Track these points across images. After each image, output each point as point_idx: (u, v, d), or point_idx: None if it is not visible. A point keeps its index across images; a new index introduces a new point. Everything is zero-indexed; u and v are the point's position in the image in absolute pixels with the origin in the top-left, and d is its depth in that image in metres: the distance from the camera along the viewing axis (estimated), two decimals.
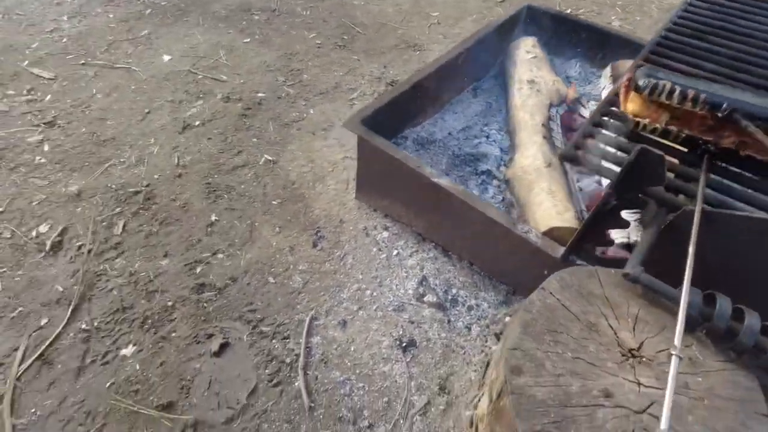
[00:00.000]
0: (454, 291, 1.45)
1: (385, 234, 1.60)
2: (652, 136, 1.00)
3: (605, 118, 1.06)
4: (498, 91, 1.97)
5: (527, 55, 1.80)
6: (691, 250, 0.78)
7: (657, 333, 0.76)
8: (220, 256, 1.55)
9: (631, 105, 1.00)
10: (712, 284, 0.87)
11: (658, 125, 0.97)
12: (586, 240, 1.09)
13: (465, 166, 1.68)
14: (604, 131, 1.04)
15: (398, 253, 1.55)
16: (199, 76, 2.18)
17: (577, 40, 2.00)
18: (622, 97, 1.03)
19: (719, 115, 0.89)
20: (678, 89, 0.91)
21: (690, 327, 0.76)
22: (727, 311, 0.72)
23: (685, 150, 1.00)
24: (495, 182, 1.60)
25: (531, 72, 1.73)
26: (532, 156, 1.38)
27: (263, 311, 1.42)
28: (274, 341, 1.36)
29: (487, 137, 1.75)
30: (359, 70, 2.26)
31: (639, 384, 0.69)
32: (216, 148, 1.89)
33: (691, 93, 0.91)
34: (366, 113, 1.43)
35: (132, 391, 1.22)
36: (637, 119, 0.99)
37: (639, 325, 0.76)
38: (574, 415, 0.65)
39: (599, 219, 0.98)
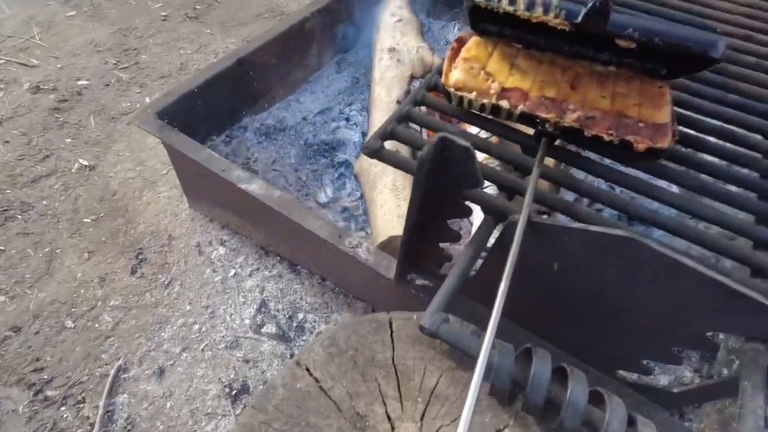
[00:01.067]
0: (300, 316, 1.18)
1: (222, 250, 1.30)
2: (482, 114, 0.75)
3: (429, 95, 0.80)
4: (368, 64, 1.68)
5: (392, 19, 1.52)
6: (502, 286, 0.54)
7: (457, 417, 0.52)
8: (1, 299, 1.20)
9: (457, 74, 0.74)
10: (549, 316, 0.65)
11: (486, 100, 0.72)
12: (418, 258, 0.84)
13: (320, 157, 1.40)
14: (422, 114, 0.78)
15: (236, 274, 1.26)
16: (1, 61, 1.74)
17: (453, 1, 1.74)
18: (446, 65, 0.77)
19: (577, 21, 0.64)
20: None
21: (502, 399, 0.52)
22: (543, 379, 0.49)
23: (530, 132, 0.76)
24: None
25: (393, 38, 1.46)
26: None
27: (53, 369, 1.10)
28: (63, 408, 1.05)
29: (348, 120, 1.47)
30: (212, 46, 1.90)
31: None
32: (14, 153, 1.49)
33: None
34: (165, 103, 1.10)
35: None
36: (461, 93, 0.73)
37: (433, 407, 0.52)
38: None
39: (417, 235, 0.73)
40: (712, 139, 0.78)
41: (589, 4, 0.64)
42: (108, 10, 2.01)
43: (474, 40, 0.79)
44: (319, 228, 0.93)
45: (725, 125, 0.79)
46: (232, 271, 1.27)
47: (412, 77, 1.35)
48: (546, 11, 0.68)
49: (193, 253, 1.31)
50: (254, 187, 0.98)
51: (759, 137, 0.78)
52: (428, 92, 0.81)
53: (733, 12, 1.02)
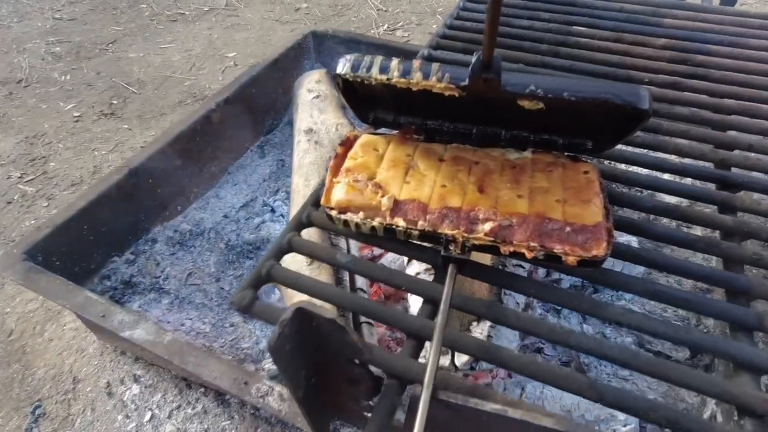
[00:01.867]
0: None
1: (136, 389, 1.11)
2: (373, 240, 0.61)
3: (317, 213, 0.66)
4: (293, 144, 1.56)
5: (309, 95, 1.41)
6: None
7: None
8: None
9: (339, 192, 0.61)
10: None
11: (377, 221, 0.58)
12: (335, 411, 0.67)
13: (244, 259, 1.24)
14: (306, 243, 0.63)
15: (152, 416, 1.06)
16: None
17: None
18: (327, 179, 0.63)
19: (465, 84, 0.51)
20: (396, 61, 0.55)
21: None
22: None
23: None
24: None
25: (311, 117, 1.34)
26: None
27: None
28: None
29: (273, 211, 1.33)
30: (129, 142, 1.76)
31: None
32: None
33: (416, 62, 0.54)
34: (36, 238, 0.94)
35: None
36: (345, 217, 0.59)
37: None
38: None
39: (315, 407, 0.57)
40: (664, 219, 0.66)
41: (474, 57, 0.52)
42: (14, 118, 1.87)
43: (360, 144, 0.66)
44: (220, 376, 0.76)
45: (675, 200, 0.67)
46: (148, 414, 1.07)
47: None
48: (426, 76, 0.56)
49: (102, 396, 1.11)
50: (140, 332, 0.81)
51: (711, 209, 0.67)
52: (314, 209, 0.67)
53: (654, 58, 0.93)
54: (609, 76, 0.88)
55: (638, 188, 0.68)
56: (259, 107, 1.52)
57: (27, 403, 1.11)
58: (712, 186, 0.69)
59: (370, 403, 0.65)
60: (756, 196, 0.67)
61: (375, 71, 0.56)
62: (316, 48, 1.69)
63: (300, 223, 0.66)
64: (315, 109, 1.37)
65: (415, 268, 0.93)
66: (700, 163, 0.72)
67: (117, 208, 1.10)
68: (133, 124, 1.84)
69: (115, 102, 1.95)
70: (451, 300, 0.52)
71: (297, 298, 0.96)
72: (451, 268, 0.54)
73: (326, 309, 0.44)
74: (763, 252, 0.57)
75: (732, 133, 0.77)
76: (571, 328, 0.52)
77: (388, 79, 0.55)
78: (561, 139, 0.64)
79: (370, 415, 0.61)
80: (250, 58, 2.18)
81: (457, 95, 0.54)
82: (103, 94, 1.99)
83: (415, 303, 0.97)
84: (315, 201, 0.68)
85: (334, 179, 0.62)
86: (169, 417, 1.06)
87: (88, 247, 1.05)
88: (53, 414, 1.09)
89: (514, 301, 0.93)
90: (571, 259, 0.54)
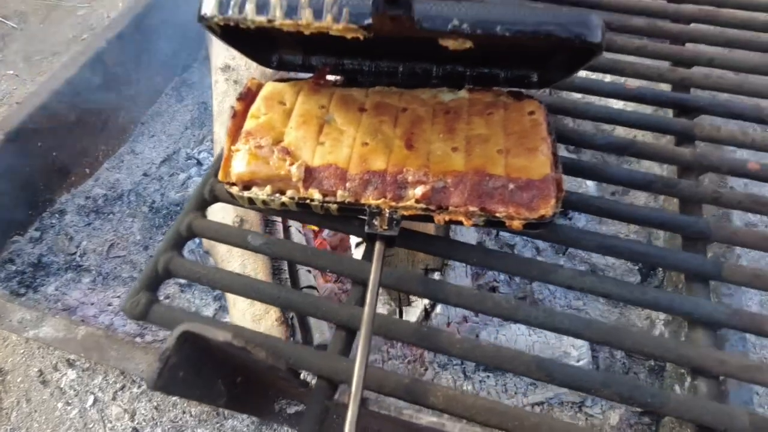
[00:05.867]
0: None
1: (72, 374, 1.03)
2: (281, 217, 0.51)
3: (222, 185, 0.55)
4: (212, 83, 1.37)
5: None
6: None
7: None
8: None
9: (240, 163, 0.49)
10: None
11: (287, 195, 0.48)
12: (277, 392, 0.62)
13: (172, 221, 1.11)
14: (209, 224, 0.53)
15: (96, 400, 1.00)
16: None
17: None
18: (225, 146, 0.51)
19: (368, 23, 0.40)
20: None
21: None
22: None
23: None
24: None
25: (227, 51, 1.15)
26: (221, 207, 0.83)
27: None
28: None
29: (200, 164, 1.18)
30: (19, 91, 1.49)
31: None
32: None
33: None
34: None
35: None
36: (249, 194, 0.49)
37: None
38: None
39: (249, 402, 0.51)
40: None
41: None
42: None
43: (263, 96, 0.54)
44: (148, 368, 0.69)
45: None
46: (91, 398, 1.00)
47: None
48: (318, 15, 0.43)
49: (35, 386, 1.02)
50: (47, 330, 0.71)
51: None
52: (218, 181, 0.55)
53: None
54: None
55: (588, 120, 0.60)
56: (167, 41, 1.30)
57: None
58: (670, 113, 0.62)
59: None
60: (719, 120, 0.60)
61: (250, 11, 0.42)
62: None
63: (203, 201, 0.55)
64: None
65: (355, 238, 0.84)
66: (660, 86, 0.64)
67: (2, 181, 0.93)
68: (20, 69, 1.56)
69: None
70: (380, 282, 0.44)
71: (232, 257, 0.87)
72: (378, 245, 0.46)
73: (218, 330, 0.35)
74: (722, 189, 0.52)
75: (691, 46, 0.69)
76: (519, 301, 0.46)
77: (269, 21, 0.42)
78: (502, 72, 0.54)
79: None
80: None
81: (362, 37, 0.42)
82: None
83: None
84: (217, 171, 0.56)
85: (232, 147, 0.51)
86: (114, 399, 1.00)
87: None
88: None
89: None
90: (516, 224, 0.46)
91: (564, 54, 0.45)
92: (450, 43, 0.43)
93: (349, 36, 0.42)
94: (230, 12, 0.43)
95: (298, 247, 0.51)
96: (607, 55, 0.67)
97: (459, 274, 0.92)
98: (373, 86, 0.56)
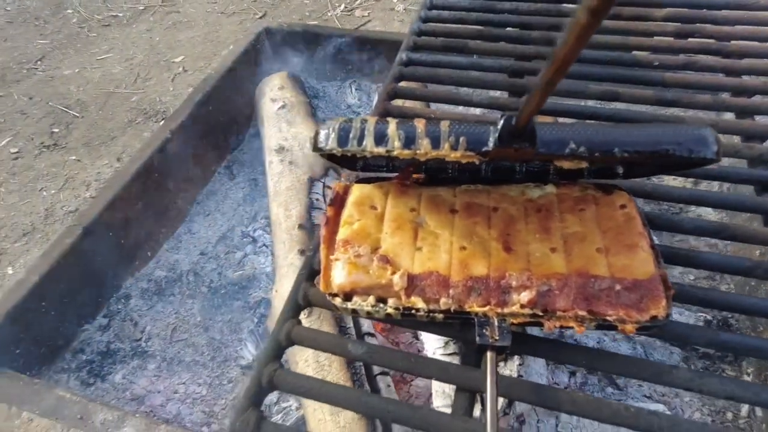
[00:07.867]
0: None
1: None
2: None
3: (314, 289, 0.56)
4: (263, 158, 1.43)
5: (273, 106, 1.27)
6: None
7: None
8: None
9: (340, 274, 0.50)
10: None
11: (391, 306, 0.48)
12: None
13: (231, 301, 1.13)
14: (306, 338, 0.53)
15: None
16: None
17: (342, 54, 1.51)
18: (322, 255, 0.53)
19: (488, 149, 0.41)
20: (393, 125, 0.44)
21: None
22: None
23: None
24: None
25: (280, 132, 1.21)
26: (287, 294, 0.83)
27: None
28: None
29: (255, 241, 1.21)
30: (81, 175, 1.59)
31: None
32: None
33: (420, 124, 0.44)
34: None
35: None
36: (352, 306, 0.49)
37: None
38: None
39: None
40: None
41: (500, 122, 0.41)
42: None
43: (353, 203, 0.55)
44: None
45: None
46: None
47: (312, 181, 1.11)
48: (436, 143, 0.45)
49: None
50: (128, 431, 0.71)
51: None
52: (312, 285, 0.56)
53: (659, 33, 0.83)
54: (615, 62, 0.78)
55: (670, 203, 0.59)
56: (219, 124, 1.37)
57: None
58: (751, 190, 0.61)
59: None
60: None
61: (369, 144, 0.44)
62: (272, 46, 1.52)
63: (297, 307, 0.55)
64: (282, 122, 1.24)
65: (434, 344, 0.82)
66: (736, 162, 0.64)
67: (77, 272, 0.97)
68: (81, 154, 1.66)
69: (56, 130, 1.76)
70: (498, 393, 0.43)
71: (300, 366, 0.86)
72: (490, 355, 0.45)
73: None
74: None
75: (760, 119, 0.69)
76: (639, 408, 0.45)
77: (387, 152, 0.44)
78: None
79: None
80: (200, 60, 1.98)
81: (477, 162, 0.43)
82: (41, 122, 1.79)
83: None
84: (309, 274, 0.57)
85: (331, 256, 0.52)
86: None
87: (52, 322, 0.93)
88: None
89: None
90: (629, 328, 0.45)
91: (670, 164, 0.46)
92: (565, 164, 0.44)
93: (464, 161, 0.43)
94: (349, 145, 0.45)
95: (399, 356, 0.51)
96: None
97: (535, 369, 0.89)
98: (457, 183, 0.58)
